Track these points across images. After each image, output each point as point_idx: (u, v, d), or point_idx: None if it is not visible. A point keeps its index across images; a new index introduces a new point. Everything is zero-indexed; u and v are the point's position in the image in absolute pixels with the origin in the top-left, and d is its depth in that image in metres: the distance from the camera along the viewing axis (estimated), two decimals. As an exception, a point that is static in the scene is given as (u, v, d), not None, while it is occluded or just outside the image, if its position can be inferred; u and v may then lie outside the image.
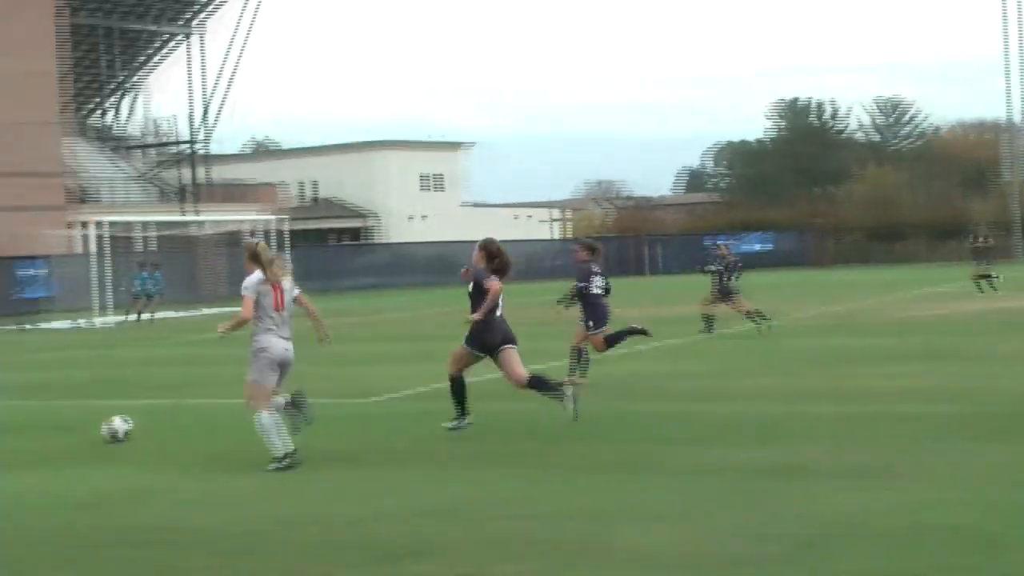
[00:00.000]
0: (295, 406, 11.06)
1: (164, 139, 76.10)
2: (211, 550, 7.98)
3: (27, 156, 50.84)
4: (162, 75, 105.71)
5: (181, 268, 48.36)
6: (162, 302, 38.37)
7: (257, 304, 10.79)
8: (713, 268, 24.42)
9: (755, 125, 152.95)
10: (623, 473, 10.10)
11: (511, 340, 12.34)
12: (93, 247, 41.30)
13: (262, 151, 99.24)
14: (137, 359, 24.32)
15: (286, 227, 44.68)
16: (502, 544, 7.80)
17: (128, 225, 47.75)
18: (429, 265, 61.18)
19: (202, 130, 65.49)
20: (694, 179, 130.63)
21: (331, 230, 72.27)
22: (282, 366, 10.88)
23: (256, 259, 10.91)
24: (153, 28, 65.31)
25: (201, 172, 65.14)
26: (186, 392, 17.29)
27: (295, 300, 11.17)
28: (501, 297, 12.32)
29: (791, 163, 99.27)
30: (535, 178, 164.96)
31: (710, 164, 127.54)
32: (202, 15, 66.98)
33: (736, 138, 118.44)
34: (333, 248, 64.21)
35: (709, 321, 24.17)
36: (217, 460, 11.42)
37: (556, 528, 8.17)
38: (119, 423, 12.60)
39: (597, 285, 15.86)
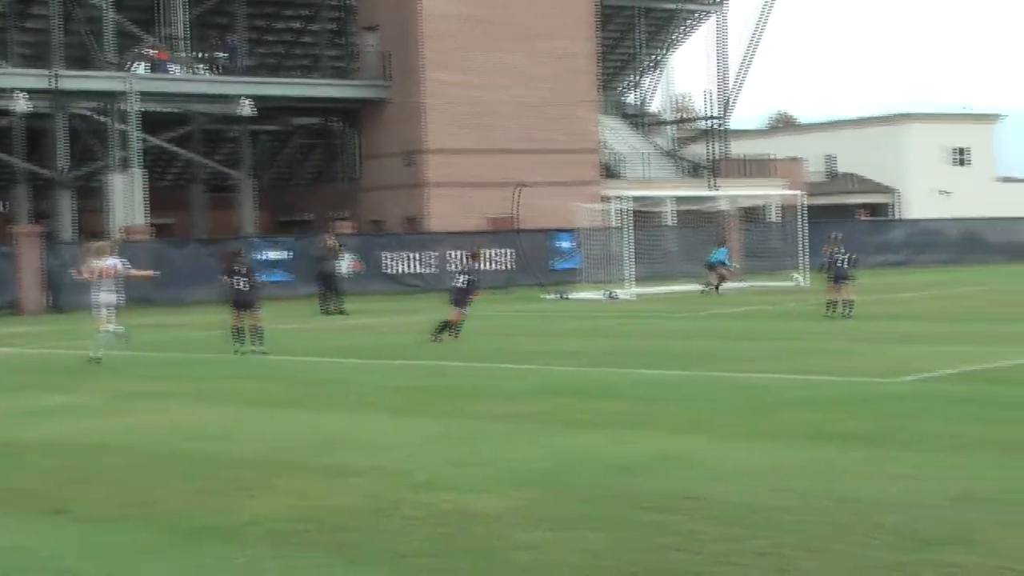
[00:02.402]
0: (117, 335, 20.60)
1: (687, 115, 77.69)
2: (732, 521, 8.22)
3: (565, 134, 53.66)
4: (684, 52, 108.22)
5: (701, 243, 49.29)
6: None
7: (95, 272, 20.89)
8: None
9: None
10: None
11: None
12: (618, 221, 42.93)
13: (781, 126, 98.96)
14: (659, 331, 25.15)
15: (804, 202, 44.42)
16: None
17: (653, 200, 49.16)
18: (955, 242, 58.79)
19: (723, 105, 66.12)
20: None
21: (852, 205, 70.88)
22: (107, 307, 20.69)
23: (94, 252, 21.32)
24: (680, 7, 66.60)
25: (722, 147, 65.86)
26: (707, 365, 17.69)
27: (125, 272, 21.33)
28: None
29: None
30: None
31: None
32: (730, -10, 67.64)
33: None
34: (853, 224, 62.78)
35: None
36: (733, 431, 11.73)
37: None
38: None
39: None
